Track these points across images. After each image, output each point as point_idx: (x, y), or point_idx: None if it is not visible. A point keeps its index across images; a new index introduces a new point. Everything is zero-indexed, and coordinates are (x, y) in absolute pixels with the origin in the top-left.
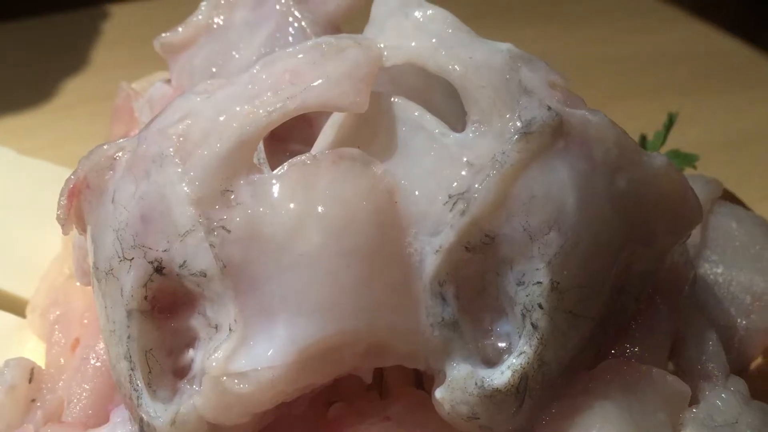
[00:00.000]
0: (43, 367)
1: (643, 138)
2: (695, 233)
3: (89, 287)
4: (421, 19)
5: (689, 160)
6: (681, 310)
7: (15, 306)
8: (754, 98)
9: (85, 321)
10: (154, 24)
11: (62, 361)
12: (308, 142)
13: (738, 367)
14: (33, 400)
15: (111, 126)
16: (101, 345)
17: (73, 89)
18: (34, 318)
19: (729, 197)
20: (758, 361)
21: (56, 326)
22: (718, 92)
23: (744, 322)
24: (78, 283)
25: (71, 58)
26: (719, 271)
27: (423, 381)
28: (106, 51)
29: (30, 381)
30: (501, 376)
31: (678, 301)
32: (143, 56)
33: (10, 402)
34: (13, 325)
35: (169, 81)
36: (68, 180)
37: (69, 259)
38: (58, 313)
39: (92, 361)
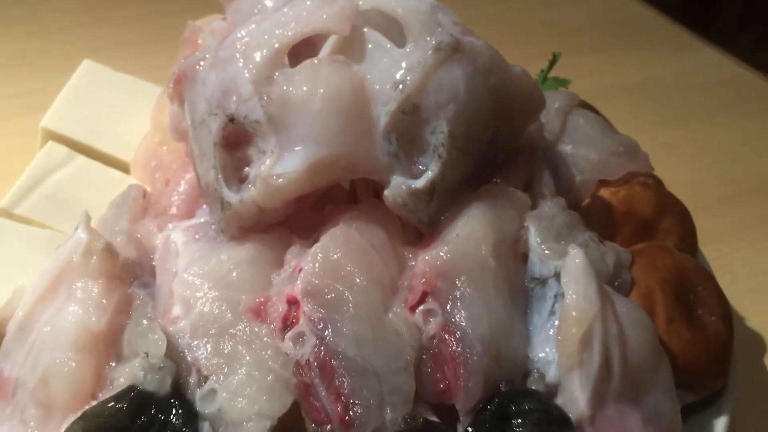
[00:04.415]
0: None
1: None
2: (557, 125)
3: (174, 146)
4: None
5: (563, 83)
6: (534, 163)
7: (119, 165)
8: (659, 55)
9: (174, 166)
10: None
11: (160, 189)
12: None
13: (573, 205)
14: (146, 209)
15: (182, 50)
16: (187, 176)
17: (139, 30)
18: (137, 170)
19: (587, 107)
20: (587, 200)
21: (156, 171)
22: (628, 49)
23: (579, 177)
24: (169, 141)
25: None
26: (568, 149)
27: (379, 194)
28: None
29: (143, 197)
30: (419, 182)
31: (532, 158)
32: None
33: (134, 206)
34: (119, 177)
35: (224, 19)
36: (172, 74)
37: (157, 134)
38: (155, 163)
39: (182, 186)
